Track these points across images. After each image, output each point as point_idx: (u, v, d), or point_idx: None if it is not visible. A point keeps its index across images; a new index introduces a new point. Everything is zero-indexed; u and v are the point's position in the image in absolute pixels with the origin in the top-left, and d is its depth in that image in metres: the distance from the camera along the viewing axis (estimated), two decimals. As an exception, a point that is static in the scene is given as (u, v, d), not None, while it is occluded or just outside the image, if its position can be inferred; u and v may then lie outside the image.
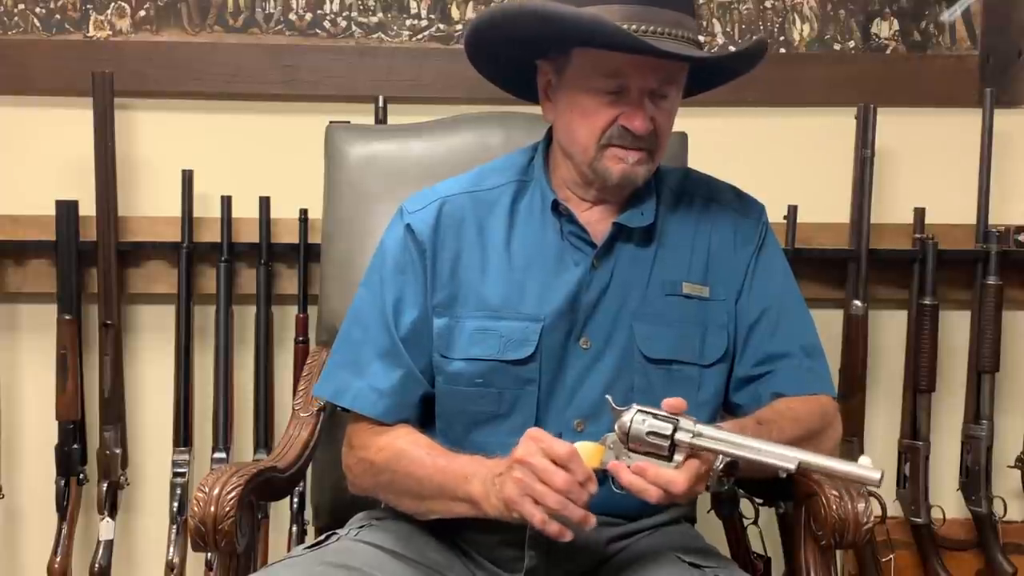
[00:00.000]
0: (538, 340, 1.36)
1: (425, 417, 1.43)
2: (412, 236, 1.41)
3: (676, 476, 1.17)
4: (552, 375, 1.37)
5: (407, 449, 1.35)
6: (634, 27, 1.29)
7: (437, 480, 1.30)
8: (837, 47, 2.08)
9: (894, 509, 2.05)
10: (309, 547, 1.37)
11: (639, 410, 1.21)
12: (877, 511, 1.87)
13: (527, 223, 1.42)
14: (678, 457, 1.18)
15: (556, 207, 1.40)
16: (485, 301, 1.39)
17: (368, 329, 1.41)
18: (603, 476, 1.22)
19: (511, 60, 1.42)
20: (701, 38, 1.43)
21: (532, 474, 1.18)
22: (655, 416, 1.20)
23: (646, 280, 1.40)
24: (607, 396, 1.25)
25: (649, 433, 1.19)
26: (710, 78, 1.44)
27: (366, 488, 1.41)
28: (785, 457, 1.15)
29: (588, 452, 1.23)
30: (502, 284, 1.39)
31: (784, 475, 1.16)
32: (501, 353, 1.37)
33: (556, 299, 1.37)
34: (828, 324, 1.93)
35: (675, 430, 1.18)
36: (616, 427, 1.22)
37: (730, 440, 1.17)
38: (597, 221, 1.41)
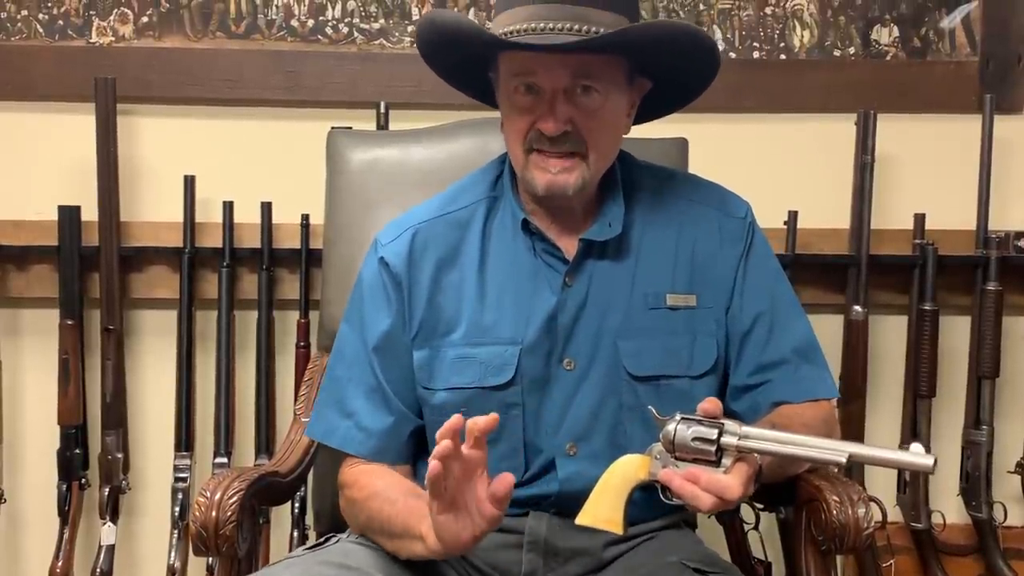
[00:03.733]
0: (517, 364, 1.35)
1: (418, 448, 1.42)
2: (387, 269, 1.40)
3: (730, 482, 1.15)
4: (537, 399, 1.35)
5: (383, 490, 1.34)
6: (531, 27, 1.27)
7: (402, 519, 1.28)
8: (837, 53, 2.08)
9: (894, 514, 2.05)
10: (309, 548, 1.37)
11: (683, 417, 1.19)
12: (878, 516, 1.87)
13: (500, 243, 1.39)
14: (726, 461, 1.17)
15: (526, 225, 1.37)
16: (463, 328, 1.37)
17: (352, 367, 1.40)
18: (649, 491, 1.22)
19: (475, 78, 1.41)
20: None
21: None
22: (699, 422, 1.18)
23: (627, 295, 1.37)
24: (649, 407, 1.23)
25: (695, 439, 1.18)
26: (681, 87, 1.40)
27: (357, 526, 1.40)
28: (835, 451, 1.13)
29: (634, 464, 1.22)
30: (479, 310, 1.37)
31: (835, 469, 1.14)
32: (482, 380, 1.35)
33: (533, 321, 1.35)
34: (828, 330, 1.94)
35: (720, 434, 1.17)
36: (660, 436, 1.20)
37: (777, 439, 1.16)
38: (566, 237, 1.38)
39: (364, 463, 1.39)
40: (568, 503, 1.33)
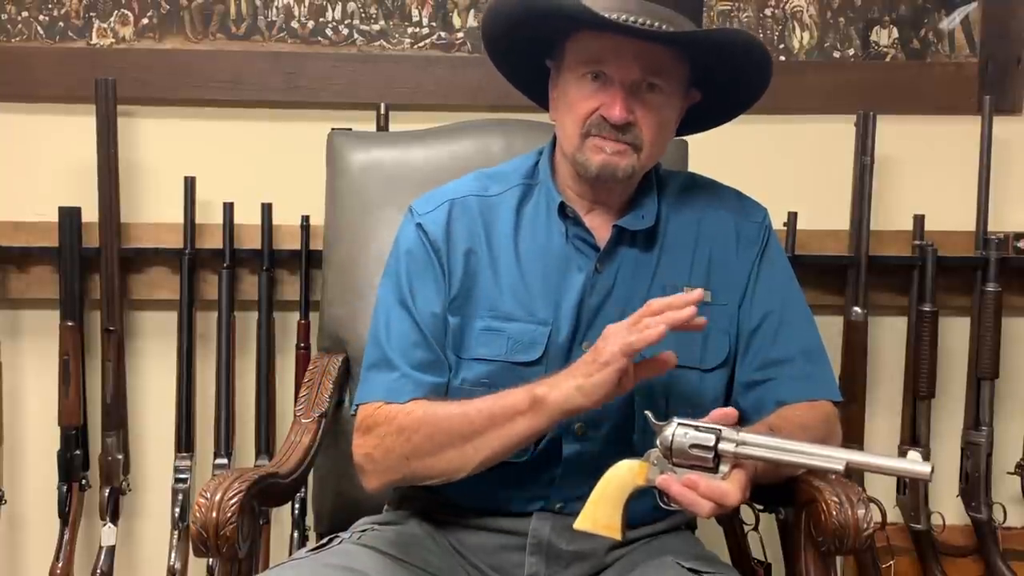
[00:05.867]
0: (546, 343, 1.37)
1: None
2: (425, 236, 1.42)
3: (729, 488, 1.16)
4: None
5: (440, 405, 1.34)
6: (617, 16, 1.29)
7: (489, 408, 1.29)
8: (837, 55, 2.09)
9: (894, 515, 2.05)
10: (311, 550, 1.37)
11: (680, 423, 1.20)
12: (877, 517, 1.87)
13: (533, 226, 1.43)
14: (724, 468, 1.18)
15: (563, 209, 1.41)
16: (495, 303, 1.39)
17: (390, 329, 1.41)
18: (649, 492, 1.22)
19: (529, 66, 1.44)
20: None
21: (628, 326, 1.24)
22: (697, 428, 1.19)
23: (648, 285, 1.40)
24: (646, 412, 1.24)
25: (692, 446, 1.18)
26: (723, 104, 1.45)
27: (392, 467, 1.35)
28: (832, 458, 1.15)
29: (632, 470, 1.23)
30: (511, 287, 1.40)
31: (833, 476, 1.15)
32: (508, 354, 1.37)
33: (563, 303, 1.38)
34: (828, 331, 1.92)
35: (718, 440, 1.18)
36: (658, 442, 1.21)
37: (774, 446, 1.17)
38: (599, 225, 1.42)
39: (392, 403, 1.37)
40: (569, 494, 1.34)
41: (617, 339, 1.23)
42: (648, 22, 1.30)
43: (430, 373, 1.38)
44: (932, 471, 1.12)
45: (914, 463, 1.13)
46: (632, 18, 1.30)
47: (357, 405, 1.42)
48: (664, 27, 1.31)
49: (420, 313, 1.40)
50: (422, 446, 1.32)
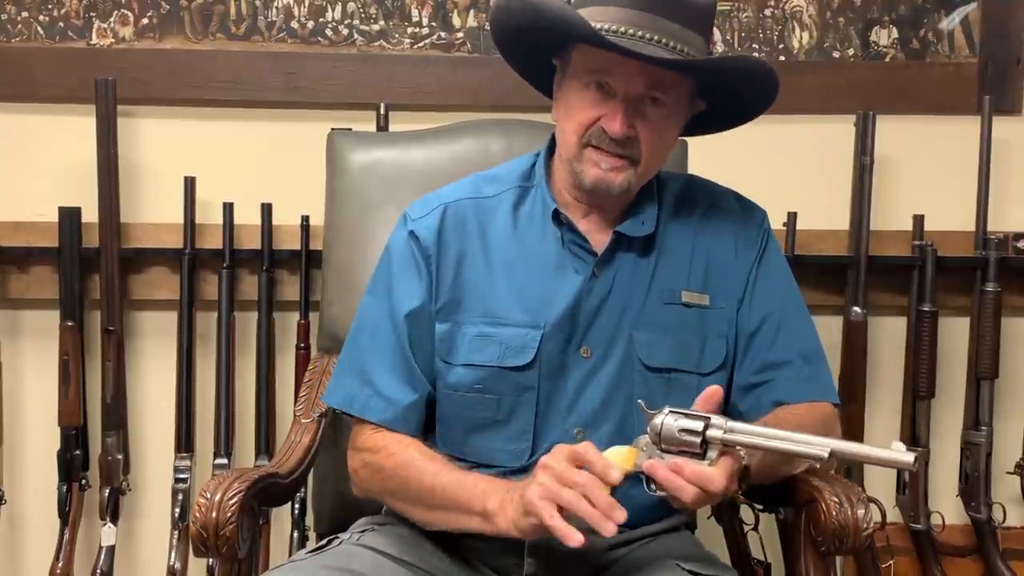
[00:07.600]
0: (537, 347, 1.37)
1: (426, 422, 1.44)
2: (416, 242, 1.42)
3: (713, 473, 1.16)
4: (552, 383, 1.37)
5: (418, 458, 1.35)
6: (625, 30, 1.30)
7: (451, 492, 1.30)
8: (836, 55, 2.09)
9: (894, 515, 2.05)
10: (311, 551, 1.37)
11: (671, 411, 1.21)
12: (877, 517, 1.87)
13: (528, 230, 1.42)
14: (711, 454, 1.18)
15: (556, 216, 1.40)
16: (486, 307, 1.39)
17: (375, 336, 1.42)
18: (637, 479, 1.22)
19: (538, 59, 1.43)
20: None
21: (554, 477, 1.18)
22: (687, 415, 1.20)
23: (646, 289, 1.40)
24: (639, 401, 1.24)
25: (681, 431, 1.19)
26: (726, 113, 1.43)
27: (372, 492, 1.41)
28: (817, 445, 1.15)
29: (621, 456, 1.23)
30: (503, 291, 1.40)
31: (818, 464, 1.16)
32: (501, 360, 1.37)
33: (556, 307, 1.38)
34: (827, 331, 1.93)
35: (706, 427, 1.18)
36: (648, 429, 1.22)
37: (761, 433, 1.17)
38: (597, 230, 1.41)
39: (386, 430, 1.39)
40: None
41: (537, 491, 1.18)
42: (655, 38, 1.30)
43: (406, 391, 1.39)
44: (915, 461, 1.13)
45: (898, 453, 1.14)
46: (639, 32, 1.30)
47: (343, 413, 1.44)
48: (671, 43, 1.31)
49: (405, 327, 1.40)
50: (395, 492, 1.37)
